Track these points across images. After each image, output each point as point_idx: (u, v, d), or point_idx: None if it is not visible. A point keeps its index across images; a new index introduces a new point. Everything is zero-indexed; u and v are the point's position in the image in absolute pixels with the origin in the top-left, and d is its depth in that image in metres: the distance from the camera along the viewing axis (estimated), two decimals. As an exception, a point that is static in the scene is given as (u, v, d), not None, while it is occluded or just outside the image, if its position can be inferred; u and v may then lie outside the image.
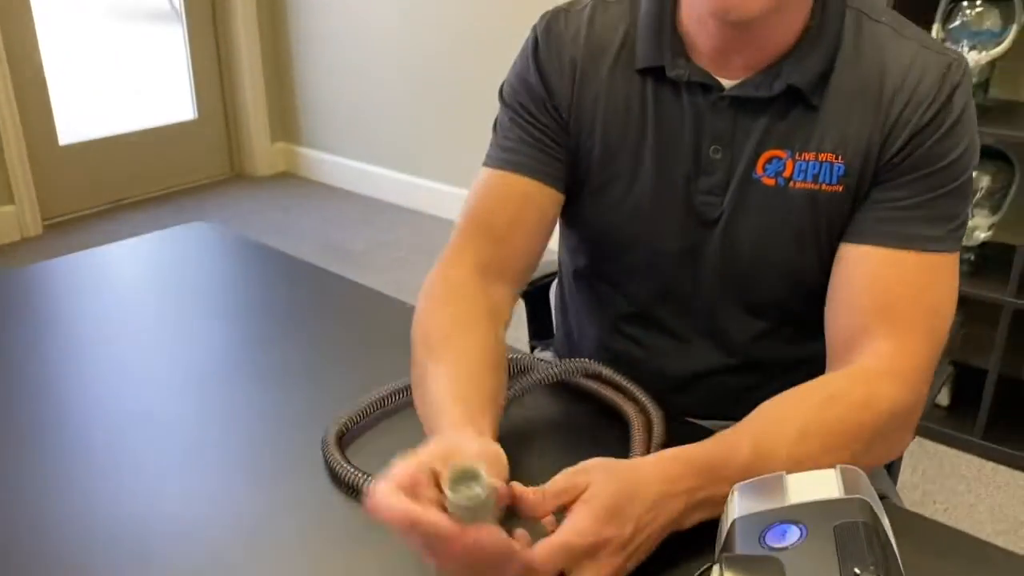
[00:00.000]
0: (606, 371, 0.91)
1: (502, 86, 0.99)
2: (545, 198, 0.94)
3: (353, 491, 0.79)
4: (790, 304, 0.93)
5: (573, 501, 0.65)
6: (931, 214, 0.83)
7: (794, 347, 0.95)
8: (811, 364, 0.91)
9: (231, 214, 3.47)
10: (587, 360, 0.91)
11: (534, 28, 0.97)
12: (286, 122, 3.93)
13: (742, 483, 0.66)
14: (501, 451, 0.68)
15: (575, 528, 0.63)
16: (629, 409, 0.86)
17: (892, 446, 0.81)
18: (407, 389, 0.90)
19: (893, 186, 0.84)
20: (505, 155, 0.95)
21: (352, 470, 0.80)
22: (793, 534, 0.59)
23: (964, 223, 0.85)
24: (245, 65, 3.72)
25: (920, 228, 0.83)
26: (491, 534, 0.60)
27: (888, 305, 0.82)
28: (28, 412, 0.92)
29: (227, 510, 0.79)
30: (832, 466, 0.65)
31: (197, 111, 3.75)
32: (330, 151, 3.84)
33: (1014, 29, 1.80)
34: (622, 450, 0.82)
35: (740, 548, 0.59)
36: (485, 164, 0.97)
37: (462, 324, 0.86)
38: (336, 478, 0.81)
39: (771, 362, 0.96)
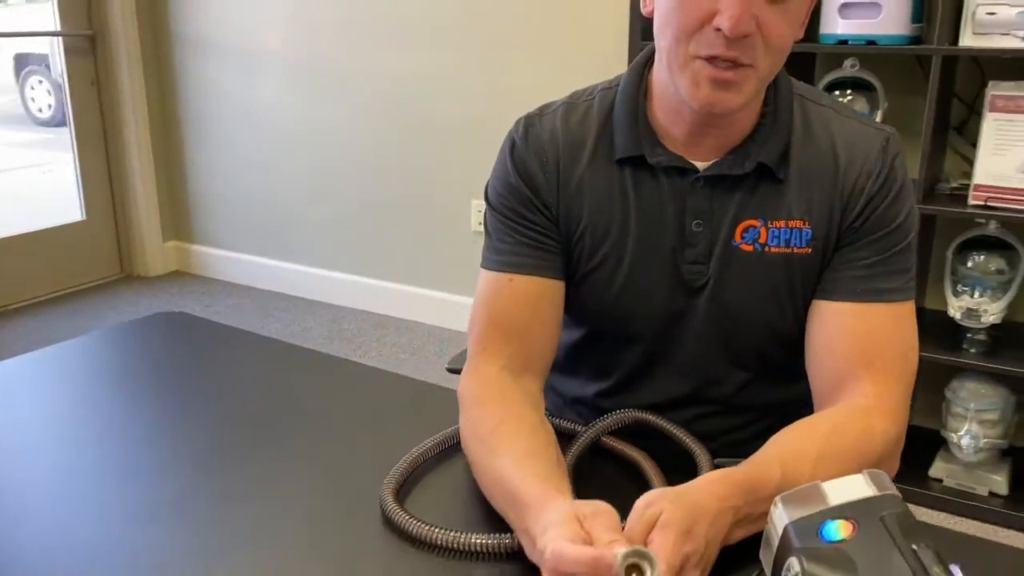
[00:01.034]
0: (653, 417, 1.02)
1: (486, 190, 1.08)
2: (555, 291, 1.04)
3: (420, 543, 0.85)
4: (769, 354, 1.06)
5: (649, 532, 0.74)
6: (891, 269, 0.98)
7: (773, 392, 1.08)
8: (787, 406, 1.05)
9: (126, 314, 3.39)
10: (632, 410, 1.03)
11: (511, 133, 1.06)
12: (177, 220, 3.90)
13: (783, 495, 0.77)
14: (608, 505, 0.75)
15: (664, 553, 0.71)
16: (650, 471, 0.95)
17: (889, 472, 0.94)
18: (447, 440, 0.98)
19: (856, 247, 0.98)
20: (506, 258, 1.03)
21: (418, 522, 0.86)
22: (846, 528, 0.70)
23: (914, 274, 1.01)
24: (136, 165, 3.69)
25: (884, 282, 0.97)
26: None
27: (866, 351, 0.96)
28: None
29: None
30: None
31: (85, 212, 3.67)
32: (223, 247, 3.83)
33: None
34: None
35: (801, 546, 0.69)
36: (487, 267, 1.04)
37: (508, 414, 0.94)
38: (401, 531, 0.87)
39: (752, 406, 1.09)
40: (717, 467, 0.86)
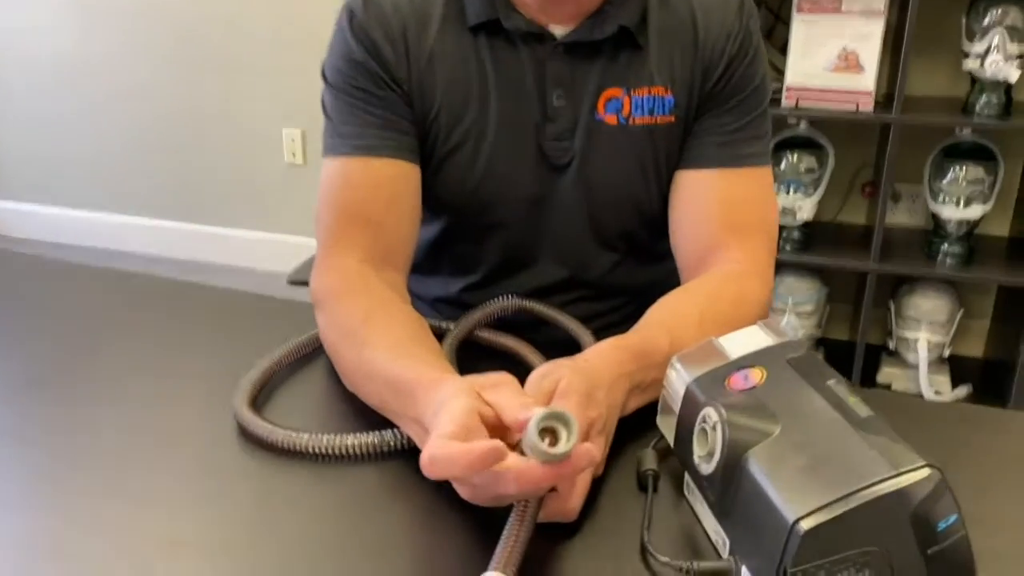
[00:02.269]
0: (532, 303, 0.96)
1: (323, 70, 0.96)
2: (412, 175, 0.94)
3: (284, 452, 0.75)
4: (636, 235, 1.02)
5: (549, 402, 0.68)
6: (751, 134, 0.96)
7: (643, 273, 1.05)
8: (657, 286, 1.02)
9: None
10: (512, 296, 0.97)
11: (346, 4, 0.95)
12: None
13: (680, 355, 0.73)
14: (509, 375, 0.68)
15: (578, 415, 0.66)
16: (532, 356, 0.89)
17: None
18: (303, 348, 0.88)
19: (718, 113, 0.96)
20: (355, 141, 0.93)
21: (282, 430, 0.76)
22: (755, 375, 0.67)
23: (770, 139, 1.00)
24: None
25: (746, 148, 0.96)
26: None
27: (732, 217, 0.94)
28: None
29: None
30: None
31: None
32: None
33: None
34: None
35: (707, 401, 0.66)
36: (333, 154, 0.94)
37: (376, 304, 0.85)
38: (261, 441, 0.77)
39: (624, 289, 1.05)
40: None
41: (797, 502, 0.54)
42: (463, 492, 0.64)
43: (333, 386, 0.85)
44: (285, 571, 0.63)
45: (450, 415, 0.62)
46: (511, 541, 0.59)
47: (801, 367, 0.66)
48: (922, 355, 2.19)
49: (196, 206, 3.21)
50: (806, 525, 0.52)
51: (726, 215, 0.94)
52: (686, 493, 0.70)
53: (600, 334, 0.94)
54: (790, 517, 0.53)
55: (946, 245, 2.15)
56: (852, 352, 2.24)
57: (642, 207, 1.00)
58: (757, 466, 0.58)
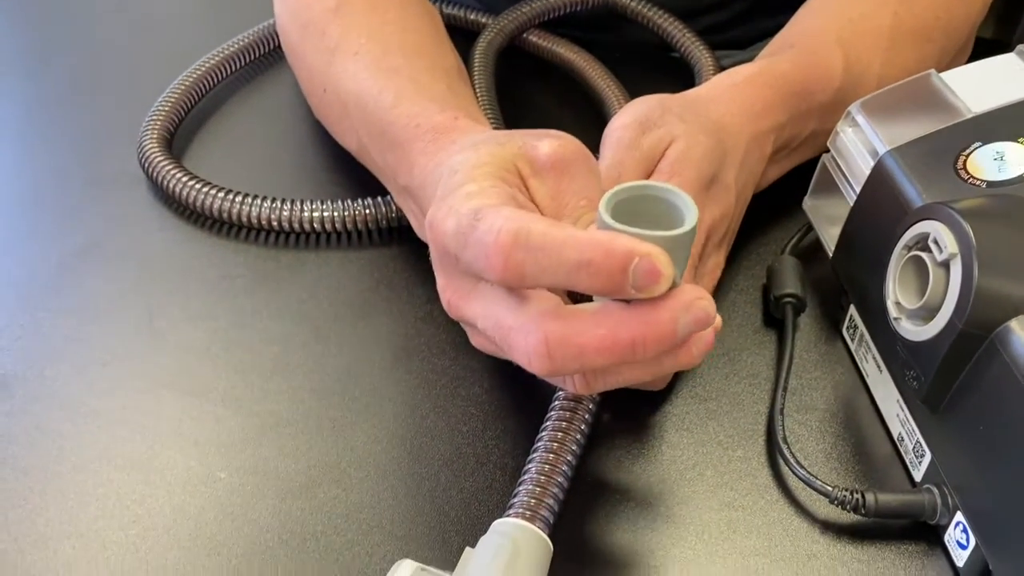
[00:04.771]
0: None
1: None
2: None
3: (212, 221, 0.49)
4: None
5: (648, 173, 0.38)
6: None
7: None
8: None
9: None
10: None
11: None
12: None
13: (863, 101, 0.42)
14: (577, 142, 0.35)
15: None
16: (611, 88, 0.56)
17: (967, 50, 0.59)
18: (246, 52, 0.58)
19: None
20: None
21: (213, 189, 0.48)
22: (1016, 155, 0.36)
23: None
24: None
25: None
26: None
27: None
28: None
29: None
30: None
31: None
32: None
33: None
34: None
35: (929, 203, 0.35)
36: None
37: None
38: (182, 203, 0.50)
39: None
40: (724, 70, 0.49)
41: None
42: (475, 342, 0.36)
43: (298, 117, 0.56)
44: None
45: (479, 164, 0.33)
46: (540, 478, 0.33)
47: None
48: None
49: None
50: None
51: None
52: (848, 340, 0.42)
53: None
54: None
55: None
56: None
57: None
58: (1028, 349, 0.30)
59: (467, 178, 0.32)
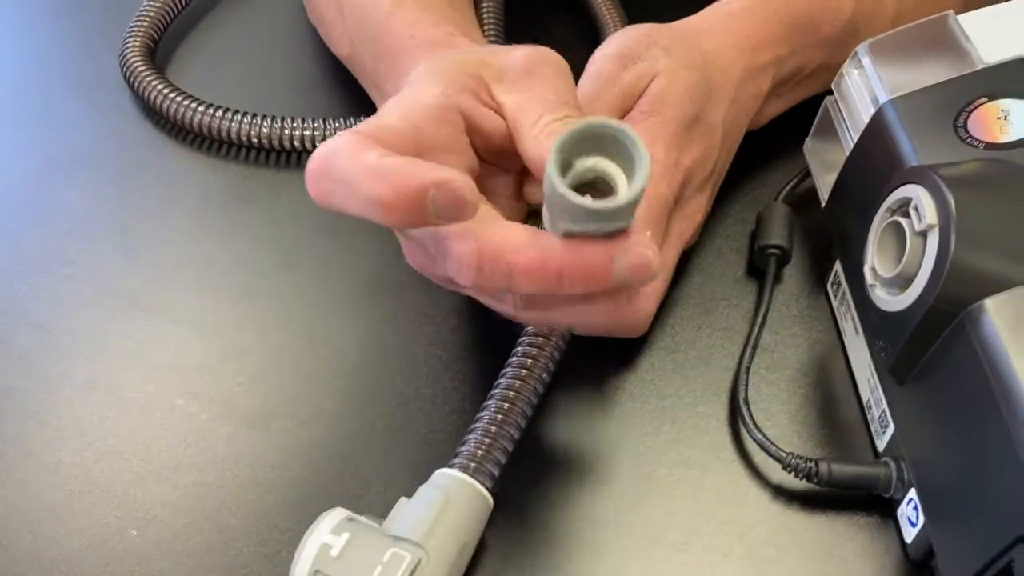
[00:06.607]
0: None
1: None
2: None
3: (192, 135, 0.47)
4: None
5: (625, 115, 0.36)
6: None
7: None
8: None
9: None
10: None
11: None
12: None
13: (872, 42, 0.39)
14: (555, 54, 0.33)
15: (655, 167, 0.34)
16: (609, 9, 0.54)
17: None
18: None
19: None
20: None
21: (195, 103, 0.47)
22: (1022, 115, 0.33)
23: None
24: None
25: None
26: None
27: None
28: None
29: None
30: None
31: None
32: None
33: None
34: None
35: (917, 165, 0.33)
36: None
37: None
38: (164, 115, 0.48)
39: None
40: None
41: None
42: (407, 253, 0.34)
43: (291, 27, 0.54)
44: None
45: (401, 102, 0.31)
46: (484, 432, 0.33)
47: None
48: None
49: None
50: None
51: None
52: (831, 295, 0.41)
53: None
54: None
55: None
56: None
57: None
58: (998, 331, 0.28)
59: (391, 106, 0.30)
